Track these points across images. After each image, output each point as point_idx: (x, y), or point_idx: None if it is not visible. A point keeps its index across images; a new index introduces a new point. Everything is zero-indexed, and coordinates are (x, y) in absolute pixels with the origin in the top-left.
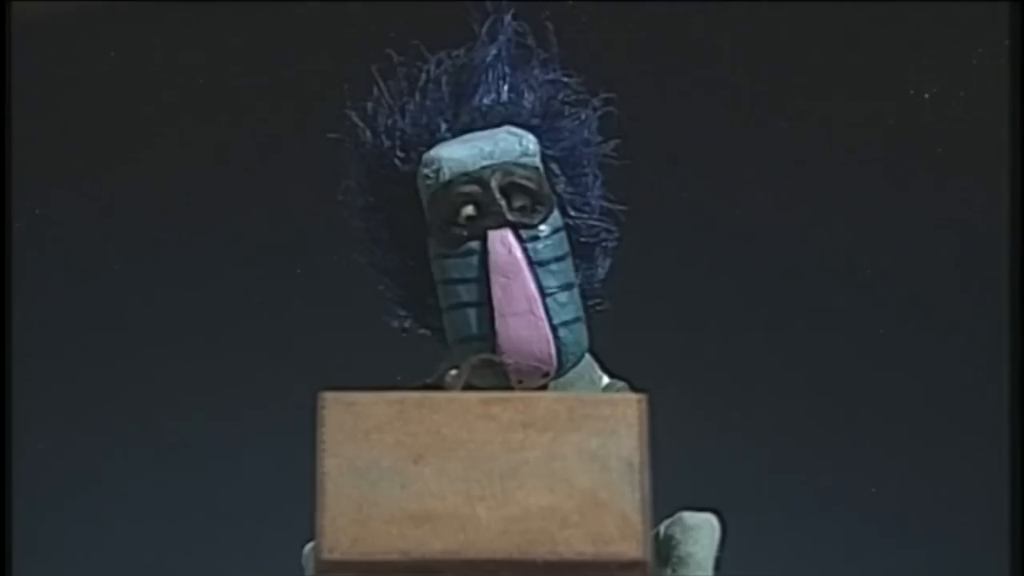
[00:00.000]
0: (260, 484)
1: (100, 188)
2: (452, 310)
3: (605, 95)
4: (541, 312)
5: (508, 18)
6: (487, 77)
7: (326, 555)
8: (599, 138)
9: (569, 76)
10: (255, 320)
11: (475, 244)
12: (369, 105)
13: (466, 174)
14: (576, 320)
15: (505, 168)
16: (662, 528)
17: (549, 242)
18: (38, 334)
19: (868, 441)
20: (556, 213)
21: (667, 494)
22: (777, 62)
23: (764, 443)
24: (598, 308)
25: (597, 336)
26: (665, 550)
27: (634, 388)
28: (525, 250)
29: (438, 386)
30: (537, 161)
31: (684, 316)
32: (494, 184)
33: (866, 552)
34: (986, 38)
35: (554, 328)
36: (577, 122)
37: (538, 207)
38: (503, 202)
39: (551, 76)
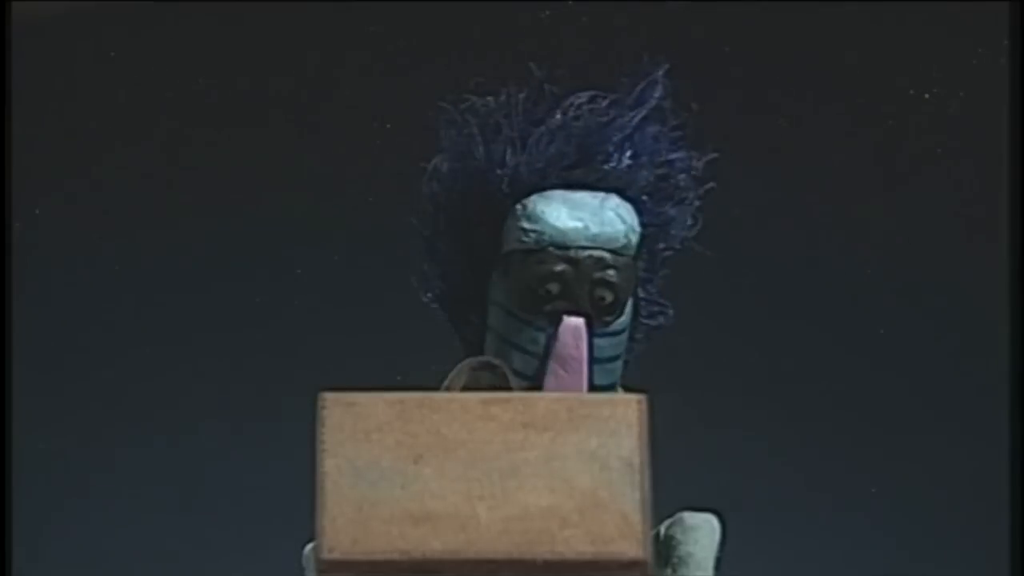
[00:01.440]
0: (261, 483)
1: (100, 188)
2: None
3: (707, 187)
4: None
5: (659, 84)
6: (615, 142)
7: (326, 555)
8: (689, 228)
9: (691, 158)
10: (255, 319)
11: (548, 325)
12: (493, 121)
13: (565, 248)
14: (610, 386)
15: (604, 259)
16: (662, 528)
17: (615, 340)
18: (38, 334)
19: (868, 442)
20: (630, 303)
21: (667, 494)
22: (776, 62)
23: (763, 444)
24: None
25: None
26: (665, 550)
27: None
28: (591, 346)
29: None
30: (634, 250)
31: (684, 317)
32: (585, 272)
33: (865, 552)
34: (986, 38)
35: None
36: (678, 208)
37: (618, 304)
38: (588, 293)
39: (674, 156)
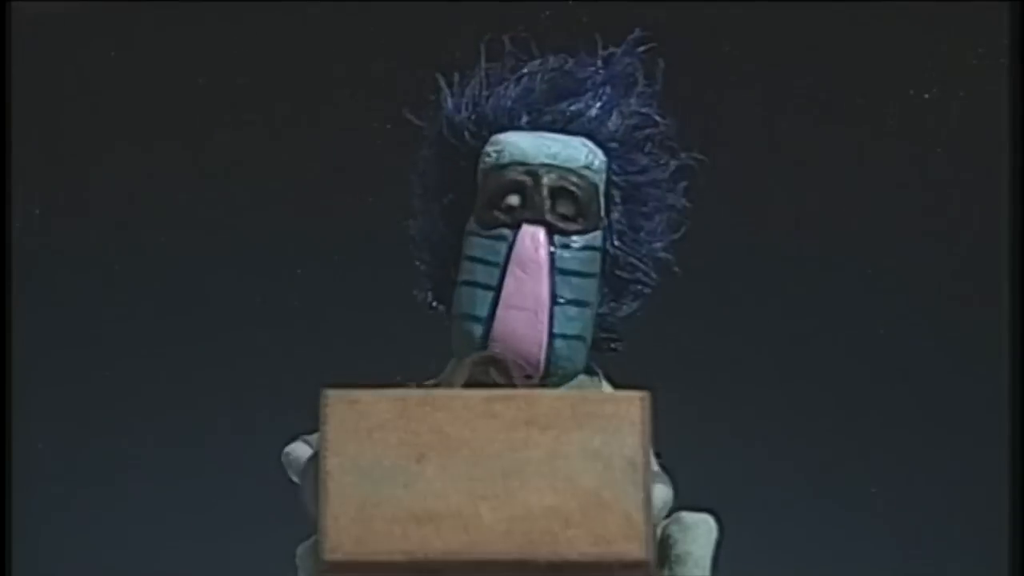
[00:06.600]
0: (261, 482)
1: (100, 188)
2: (464, 286)
3: (695, 156)
4: (544, 317)
5: (628, 55)
6: (585, 88)
7: (328, 555)
8: (672, 186)
9: (663, 117)
10: (256, 318)
11: (508, 232)
12: (459, 77)
13: (523, 164)
14: (577, 337)
15: (562, 171)
16: (660, 527)
17: (579, 255)
18: (38, 334)
19: (868, 441)
20: (598, 234)
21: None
22: (776, 62)
23: (761, 443)
24: (611, 347)
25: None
26: (663, 549)
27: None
28: (552, 255)
29: (446, 385)
30: (598, 179)
31: (684, 317)
32: (545, 181)
33: (865, 552)
34: (986, 38)
35: (552, 335)
36: (655, 163)
37: (580, 218)
38: (548, 201)
39: (644, 110)
